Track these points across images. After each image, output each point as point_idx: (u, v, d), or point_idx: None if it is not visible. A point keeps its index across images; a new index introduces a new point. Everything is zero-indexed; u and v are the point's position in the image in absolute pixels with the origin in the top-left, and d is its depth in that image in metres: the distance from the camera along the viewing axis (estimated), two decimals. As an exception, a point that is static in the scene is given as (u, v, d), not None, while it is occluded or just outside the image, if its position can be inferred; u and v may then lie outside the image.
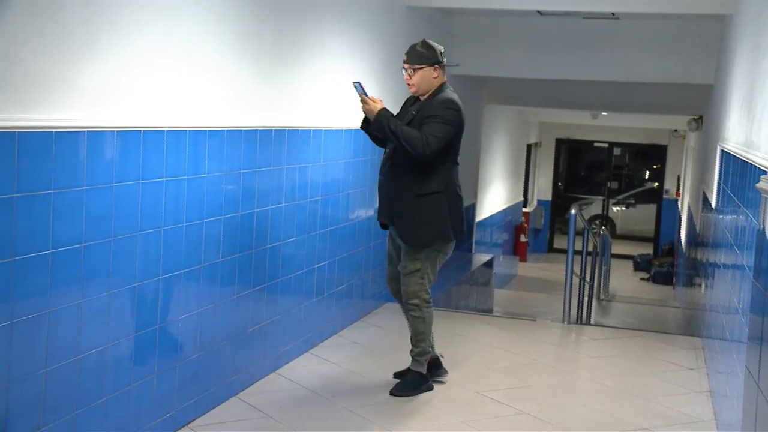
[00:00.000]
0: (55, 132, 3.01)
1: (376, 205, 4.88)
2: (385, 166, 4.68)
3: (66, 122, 3.06)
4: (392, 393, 4.63)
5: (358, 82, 4.56)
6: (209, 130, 3.98)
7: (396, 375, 4.83)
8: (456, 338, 6.01)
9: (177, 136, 3.73)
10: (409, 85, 4.63)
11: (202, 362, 4.08)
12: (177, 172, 3.74)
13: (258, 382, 4.65)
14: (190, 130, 3.82)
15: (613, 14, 7.46)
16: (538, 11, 7.55)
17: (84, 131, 3.15)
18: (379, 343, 4.92)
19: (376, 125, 4.53)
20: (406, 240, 4.61)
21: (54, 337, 3.08)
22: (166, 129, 3.64)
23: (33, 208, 2.94)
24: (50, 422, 3.10)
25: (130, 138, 3.41)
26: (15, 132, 2.83)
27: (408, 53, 4.62)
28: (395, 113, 4.66)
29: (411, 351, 4.76)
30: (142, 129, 3.48)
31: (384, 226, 4.79)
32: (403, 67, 4.63)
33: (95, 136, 3.21)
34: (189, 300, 3.94)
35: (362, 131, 4.78)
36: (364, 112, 4.59)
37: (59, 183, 3.04)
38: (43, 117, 2.96)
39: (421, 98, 4.63)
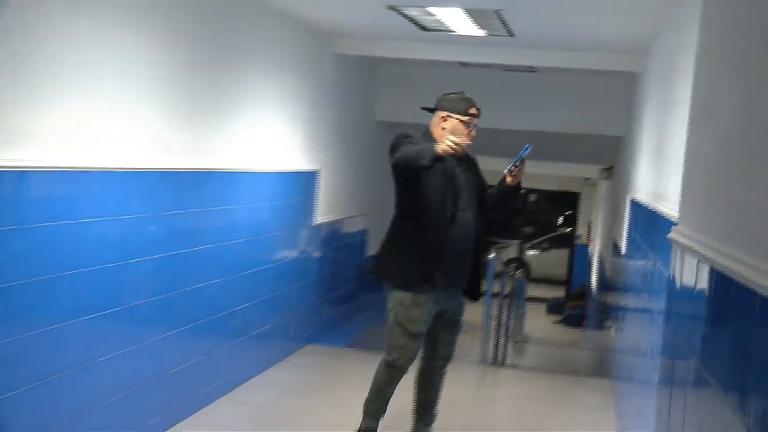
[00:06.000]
0: (-19, 171, 3.00)
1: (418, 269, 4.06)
2: (451, 221, 4.06)
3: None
4: None
5: (529, 146, 4.09)
6: (136, 172, 4.00)
7: None
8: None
9: (105, 176, 3.73)
10: (467, 141, 4.08)
11: (121, 404, 4.04)
12: (102, 212, 3.75)
13: (177, 424, 4.63)
14: (117, 171, 3.83)
15: (530, 67, 7.77)
16: (461, 62, 7.81)
17: (8, 171, 3.13)
18: (300, 385, 4.93)
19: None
20: (474, 296, 4.21)
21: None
22: (93, 170, 3.65)
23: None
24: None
25: (55, 178, 3.41)
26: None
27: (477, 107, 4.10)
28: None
29: (433, 417, 4.46)
30: (68, 169, 3.48)
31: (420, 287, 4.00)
32: (474, 123, 4.14)
33: (21, 176, 3.20)
34: (109, 341, 3.91)
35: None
36: (516, 175, 4.11)
37: (-17, 222, 3.02)
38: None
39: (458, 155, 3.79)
